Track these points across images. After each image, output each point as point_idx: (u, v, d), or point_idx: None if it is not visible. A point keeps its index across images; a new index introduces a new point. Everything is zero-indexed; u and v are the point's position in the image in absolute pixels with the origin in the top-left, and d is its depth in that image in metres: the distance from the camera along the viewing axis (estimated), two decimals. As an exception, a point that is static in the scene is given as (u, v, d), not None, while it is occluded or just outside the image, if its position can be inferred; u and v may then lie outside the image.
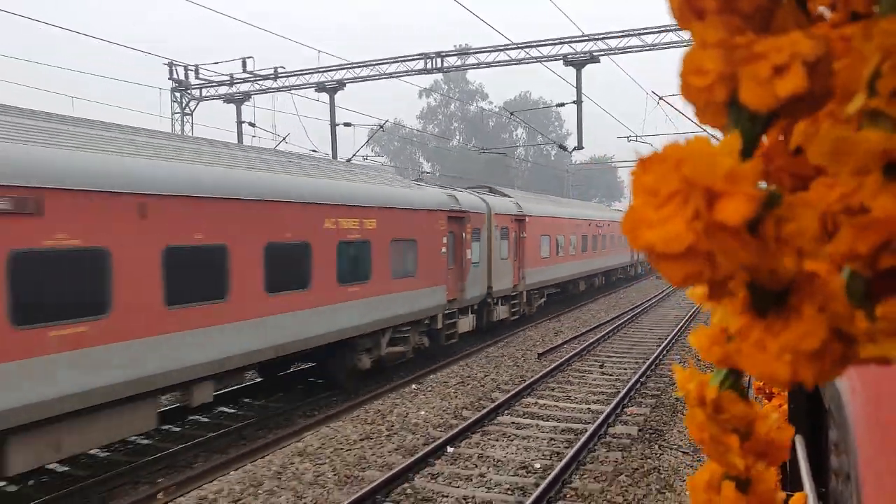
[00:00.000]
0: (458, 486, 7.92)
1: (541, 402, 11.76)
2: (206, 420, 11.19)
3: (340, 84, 23.97)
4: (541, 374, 13.36)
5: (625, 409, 11.22)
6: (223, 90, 24.15)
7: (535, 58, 21.81)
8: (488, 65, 23.19)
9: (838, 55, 0.32)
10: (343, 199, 11.66)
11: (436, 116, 75.50)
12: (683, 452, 9.14)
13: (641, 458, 8.81)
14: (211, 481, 8.26)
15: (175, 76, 23.52)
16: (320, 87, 24.10)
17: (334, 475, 8.36)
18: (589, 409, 11.21)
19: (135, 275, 7.88)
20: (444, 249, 15.19)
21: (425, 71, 23.76)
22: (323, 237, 11.12)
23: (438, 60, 23.09)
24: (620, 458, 8.83)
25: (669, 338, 17.32)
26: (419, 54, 23.54)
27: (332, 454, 9.16)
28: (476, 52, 23.08)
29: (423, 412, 11.14)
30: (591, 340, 17.24)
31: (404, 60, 23.87)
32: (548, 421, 10.62)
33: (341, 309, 11.60)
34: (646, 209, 0.32)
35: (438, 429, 10.27)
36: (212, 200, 8.94)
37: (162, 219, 8.21)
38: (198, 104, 24.42)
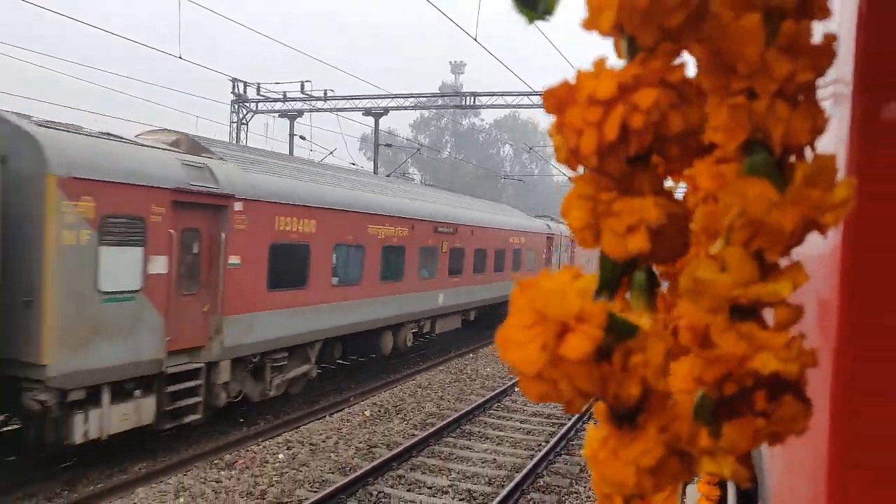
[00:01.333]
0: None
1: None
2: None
3: (385, 110, 29.66)
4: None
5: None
6: (278, 106, 28.89)
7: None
8: (507, 104, 29.69)
9: (693, 214, 0.37)
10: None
11: (428, 127, 76.41)
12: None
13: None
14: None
15: (236, 90, 27.91)
16: (367, 112, 29.11)
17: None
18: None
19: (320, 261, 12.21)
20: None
21: (456, 106, 32.10)
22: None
23: (470, 99, 29.70)
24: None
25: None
26: (455, 93, 32.82)
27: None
28: (503, 95, 28.45)
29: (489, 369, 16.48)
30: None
31: (440, 96, 32.79)
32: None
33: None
34: (513, 329, 0.35)
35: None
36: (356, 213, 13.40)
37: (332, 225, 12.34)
38: (253, 116, 28.87)
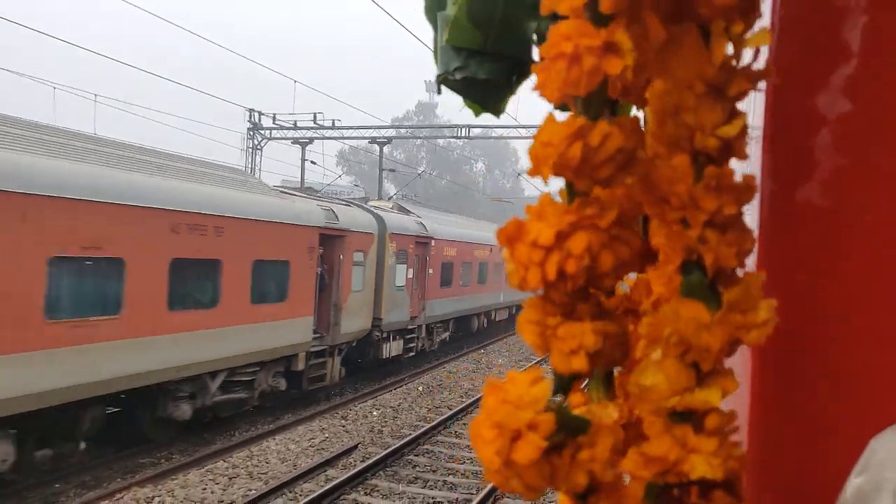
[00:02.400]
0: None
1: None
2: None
3: (389, 140, 32.61)
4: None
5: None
6: (290, 133, 31.18)
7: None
8: (499, 136, 33.13)
9: (631, 336, 0.44)
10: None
11: (405, 143, 78.72)
12: None
13: None
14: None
15: (251, 119, 30.36)
16: (372, 140, 31.57)
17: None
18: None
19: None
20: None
21: (453, 136, 36.44)
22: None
23: (465, 130, 32.29)
24: None
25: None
26: (451, 125, 35.18)
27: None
28: (496, 127, 32.15)
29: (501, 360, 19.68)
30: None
31: (439, 127, 38.07)
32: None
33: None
34: (481, 426, 0.40)
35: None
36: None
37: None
38: (266, 142, 31.27)
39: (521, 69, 0.62)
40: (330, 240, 14.30)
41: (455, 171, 76.85)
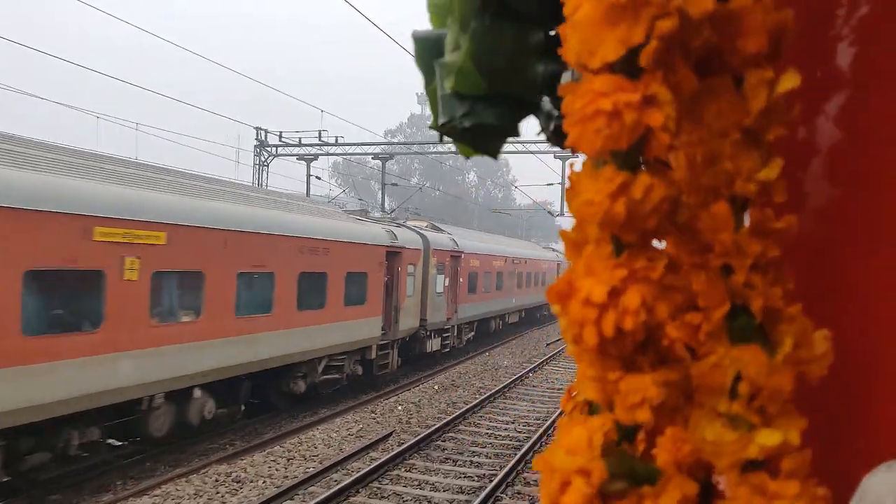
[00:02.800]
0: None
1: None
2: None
3: (391, 155, 36.33)
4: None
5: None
6: (296, 150, 32.86)
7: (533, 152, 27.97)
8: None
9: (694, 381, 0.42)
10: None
11: (398, 155, 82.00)
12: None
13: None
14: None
15: (259, 137, 31.73)
16: (376, 157, 35.34)
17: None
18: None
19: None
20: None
21: (452, 152, 37.07)
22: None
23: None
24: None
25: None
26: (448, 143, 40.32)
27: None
28: None
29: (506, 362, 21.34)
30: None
31: (439, 143, 36.40)
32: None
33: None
34: (545, 465, 0.43)
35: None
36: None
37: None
38: (273, 159, 32.51)
39: (526, 110, 0.62)
40: (391, 255, 18.02)
41: (448, 182, 78.31)
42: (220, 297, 11.47)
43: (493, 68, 0.59)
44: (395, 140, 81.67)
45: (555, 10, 0.49)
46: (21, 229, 7.94)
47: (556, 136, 0.62)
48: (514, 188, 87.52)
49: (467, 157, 0.69)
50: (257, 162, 31.79)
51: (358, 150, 34.79)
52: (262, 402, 14.33)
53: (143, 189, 10.27)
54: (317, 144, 32.46)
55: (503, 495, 9.65)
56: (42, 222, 8.16)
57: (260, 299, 12.74)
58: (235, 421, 13.24)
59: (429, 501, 9.22)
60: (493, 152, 0.67)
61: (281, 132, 32.03)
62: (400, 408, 14.76)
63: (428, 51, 0.65)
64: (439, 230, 22.94)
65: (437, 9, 0.65)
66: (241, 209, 12.30)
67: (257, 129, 31.71)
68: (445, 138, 0.66)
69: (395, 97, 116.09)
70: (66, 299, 8.93)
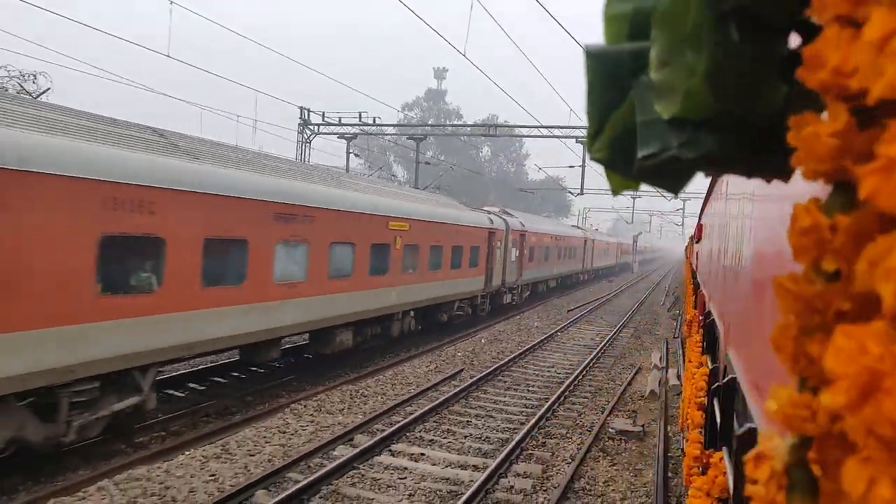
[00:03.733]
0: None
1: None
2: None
3: (424, 136, 38.75)
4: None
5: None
6: (336, 129, 35.39)
7: (558, 136, 33.50)
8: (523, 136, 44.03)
9: None
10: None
11: (412, 128, 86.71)
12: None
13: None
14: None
15: (303, 117, 34.10)
16: (410, 137, 38.65)
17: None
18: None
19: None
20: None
21: (482, 134, 49.63)
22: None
23: (493, 129, 41.37)
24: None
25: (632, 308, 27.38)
26: (482, 124, 48.22)
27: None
28: (516, 126, 39.90)
29: (536, 323, 24.75)
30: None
31: (472, 126, 50.47)
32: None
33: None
34: None
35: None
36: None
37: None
38: (315, 136, 34.88)
39: (756, 137, 0.53)
40: (490, 234, 25.96)
41: (463, 156, 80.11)
42: (424, 259, 19.44)
43: (729, 90, 0.51)
44: (412, 114, 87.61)
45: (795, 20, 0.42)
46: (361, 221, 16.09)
47: (767, 166, 0.53)
48: (525, 164, 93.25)
49: (616, 194, 0.62)
50: (300, 139, 34.17)
51: (394, 130, 41.39)
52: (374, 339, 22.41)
53: (395, 199, 18.13)
54: (356, 124, 34.70)
55: (559, 408, 12.85)
56: (372, 220, 16.16)
57: (435, 261, 20.74)
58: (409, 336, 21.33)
59: (505, 411, 12.33)
60: (678, 188, 0.59)
61: (324, 112, 34.44)
62: (460, 354, 17.80)
63: (603, 69, 0.59)
64: (510, 215, 30.50)
65: (616, 22, 0.59)
66: (432, 210, 20.27)
67: (301, 108, 33.86)
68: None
69: (410, 67, 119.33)
70: (378, 256, 16.88)
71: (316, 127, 34.76)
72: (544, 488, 8.64)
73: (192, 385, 13.15)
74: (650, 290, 44.34)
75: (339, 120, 34.73)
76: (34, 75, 18.46)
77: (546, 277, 35.85)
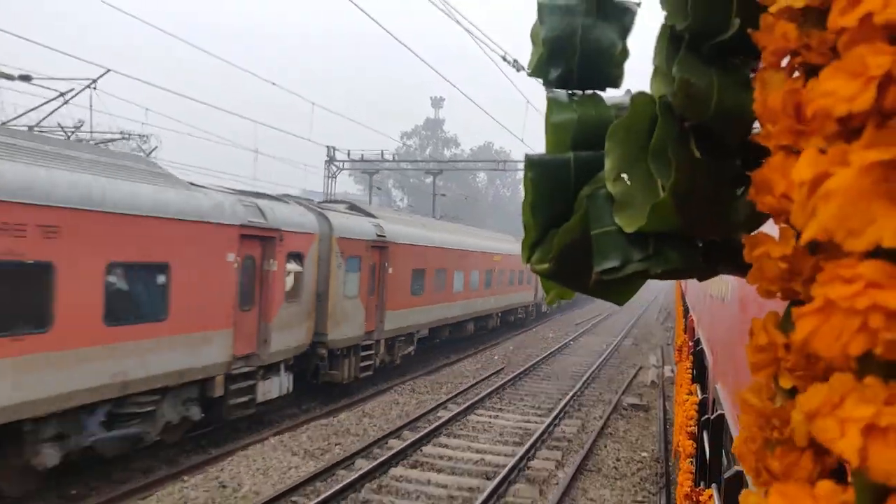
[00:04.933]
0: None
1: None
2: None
3: (441, 171, 42.04)
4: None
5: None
6: (359, 165, 39.43)
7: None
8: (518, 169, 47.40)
9: None
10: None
11: (413, 155, 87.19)
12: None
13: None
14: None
15: (329, 155, 36.99)
16: (428, 172, 42.98)
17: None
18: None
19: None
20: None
21: (493, 168, 51.43)
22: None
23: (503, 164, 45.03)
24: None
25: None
26: (491, 161, 49.75)
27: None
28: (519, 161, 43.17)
29: (551, 334, 26.08)
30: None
31: (483, 161, 53.06)
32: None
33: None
34: None
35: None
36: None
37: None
38: (340, 171, 37.96)
39: (713, 251, 0.52)
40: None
41: (461, 182, 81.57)
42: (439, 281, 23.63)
43: (692, 205, 0.51)
44: (412, 145, 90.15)
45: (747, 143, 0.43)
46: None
47: (708, 266, 0.53)
48: (519, 188, 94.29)
49: (551, 304, 0.61)
50: (326, 174, 36.70)
51: (412, 165, 45.60)
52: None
53: (465, 236, 22.76)
54: (377, 160, 38.40)
55: (584, 390, 17.17)
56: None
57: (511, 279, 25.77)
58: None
59: (545, 392, 16.59)
60: (624, 300, 0.60)
61: (349, 150, 37.44)
62: (497, 356, 22.57)
63: (546, 179, 0.58)
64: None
65: (560, 130, 0.58)
66: (464, 239, 24.51)
67: (328, 147, 36.37)
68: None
69: (409, 97, 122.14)
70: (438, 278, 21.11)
71: (341, 163, 38.33)
72: (585, 432, 12.99)
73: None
74: (645, 308, 48.49)
75: (362, 156, 38.99)
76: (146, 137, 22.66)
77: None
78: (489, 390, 16.03)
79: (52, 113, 15.60)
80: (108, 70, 15.47)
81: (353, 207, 18.08)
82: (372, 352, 16.78)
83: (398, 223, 19.15)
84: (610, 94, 0.65)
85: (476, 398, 15.07)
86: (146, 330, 9.68)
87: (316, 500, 8.73)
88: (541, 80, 0.66)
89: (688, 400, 5.60)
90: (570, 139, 0.60)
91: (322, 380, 14.97)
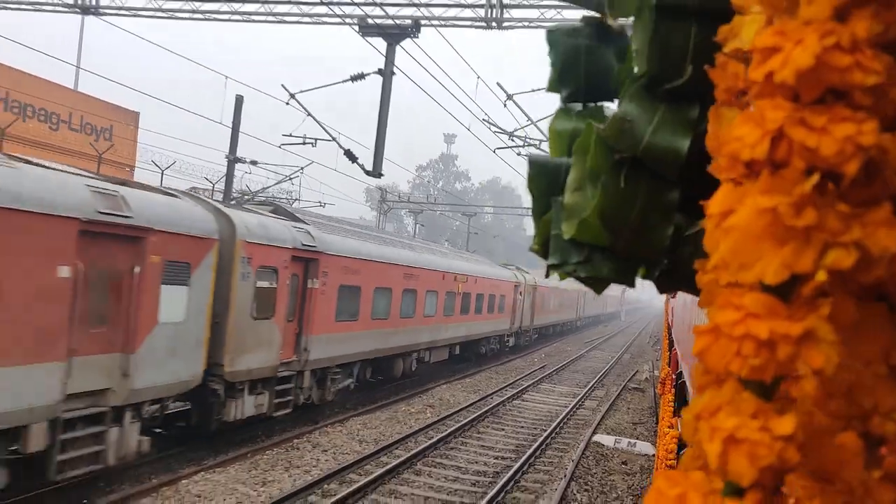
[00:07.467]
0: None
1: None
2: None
3: (474, 213, 47.84)
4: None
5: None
6: (406, 204, 47.57)
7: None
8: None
9: None
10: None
11: (426, 186, 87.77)
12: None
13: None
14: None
15: (381, 195, 42.98)
16: (464, 213, 48.90)
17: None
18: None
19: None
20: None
21: (525, 207, 56.72)
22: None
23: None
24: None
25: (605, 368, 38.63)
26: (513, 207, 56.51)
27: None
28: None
29: (569, 348, 36.20)
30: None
31: (513, 208, 59.46)
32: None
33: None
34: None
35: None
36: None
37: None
38: (390, 209, 45.22)
39: (646, 266, 0.57)
40: (515, 286, 37.27)
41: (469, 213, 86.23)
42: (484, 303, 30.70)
43: (620, 226, 0.56)
44: (426, 176, 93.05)
45: (689, 172, 0.47)
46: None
47: (662, 283, 0.58)
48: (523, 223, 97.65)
49: (562, 279, 0.66)
50: (380, 211, 43.87)
51: (449, 208, 52.12)
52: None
53: (425, 253, 29.83)
54: (423, 203, 46.14)
55: (602, 379, 25.01)
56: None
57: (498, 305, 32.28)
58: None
59: (575, 381, 24.41)
60: (598, 290, 0.66)
61: (399, 193, 47.64)
62: (536, 359, 31.02)
63: (543, 177, 0.64)
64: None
65: (559, 138, 0.64)
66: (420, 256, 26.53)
67: (379, 188, 41.30)
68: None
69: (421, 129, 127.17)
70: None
71: (391, 204, 46.03)
72: (604, 401, 20.37)
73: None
74: (637, 335, 55.49)
75: (408, 198, 48.03)
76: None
77: (549, 324, 41.52)
78: (536, 379, 23.30)
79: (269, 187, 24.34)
80: (311, 162, 23.42)
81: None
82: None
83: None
84: (613, 107, 0.72)
85: (531, 382, 22.20)
86: None
87: None
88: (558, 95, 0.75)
89: (668, 433, 5.54)
90: (566, 146, 0.67)
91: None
